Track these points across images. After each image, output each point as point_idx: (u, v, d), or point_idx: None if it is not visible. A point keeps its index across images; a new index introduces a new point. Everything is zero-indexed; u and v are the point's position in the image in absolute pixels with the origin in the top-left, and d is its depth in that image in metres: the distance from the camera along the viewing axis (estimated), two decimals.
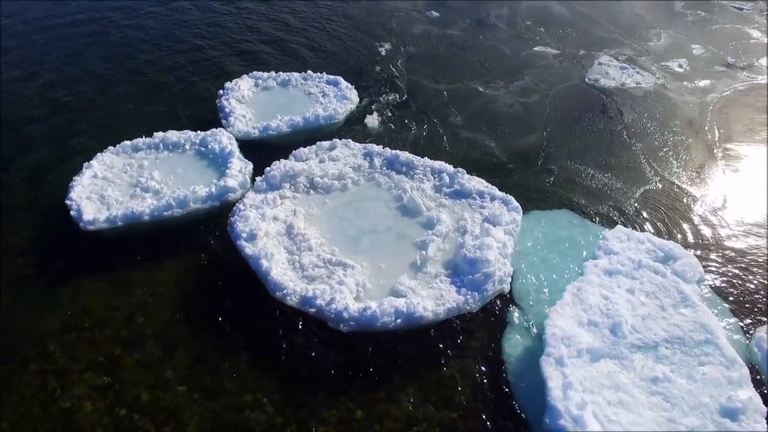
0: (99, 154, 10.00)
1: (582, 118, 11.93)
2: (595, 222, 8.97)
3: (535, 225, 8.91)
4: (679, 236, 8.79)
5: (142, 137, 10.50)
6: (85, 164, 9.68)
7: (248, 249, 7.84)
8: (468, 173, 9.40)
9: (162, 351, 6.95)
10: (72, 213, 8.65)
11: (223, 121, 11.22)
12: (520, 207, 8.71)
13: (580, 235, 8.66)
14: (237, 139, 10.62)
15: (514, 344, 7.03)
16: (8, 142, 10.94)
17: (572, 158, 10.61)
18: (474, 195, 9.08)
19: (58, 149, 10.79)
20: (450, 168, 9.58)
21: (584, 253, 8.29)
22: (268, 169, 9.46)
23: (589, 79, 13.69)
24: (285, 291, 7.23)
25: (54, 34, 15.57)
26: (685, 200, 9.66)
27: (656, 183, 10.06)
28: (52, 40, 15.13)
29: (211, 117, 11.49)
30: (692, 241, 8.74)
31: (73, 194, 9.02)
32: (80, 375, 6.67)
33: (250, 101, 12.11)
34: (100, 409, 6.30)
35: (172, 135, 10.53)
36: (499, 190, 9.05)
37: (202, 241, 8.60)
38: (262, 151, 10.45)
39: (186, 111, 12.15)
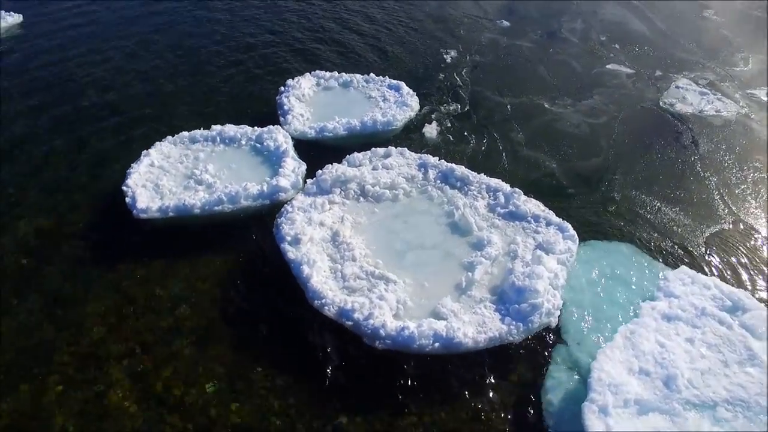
0: (157, 143, 10.24)
1: (652, 145, 11.28)
2: (656, 259, 8.41)
3: (591, 256, 8.45)
4: (750, 285, 8.13)
5: (200, 129, 10.68)
6: (144, 152, 9.93)
7: (291, 253, 7.79)
8: (525, 194, 9.04)
9: (197, 347, 6.98)
10: (127, 200, 8.88)
11: (281, 119, 11.28)
12: (576, 236, 8.29)
13: (639, 273, 8.14)
14: (293, 138, 10.66)
15: (556, 384, 6.65)
16: (79, 124, 11.40)
17: (638, 188, 10.03)
18: (529, 218, 8.71)
19: (122, 133, 11.15)
20: (506, 187, 9.24)
21: (642, 293, 7.78)
22: (320, 172, 9.40)
23: (664, 103, 12.95)
24: (323, 300, 7.12)
25: (132, 20, 16.20)
26: (761, 245, 8.94)
27: (729, 223, 9.36)
28: (126, 25, 15.73)
29: (269, 113, 11.57)
30: (766, 293, 8.06)
31: (129, 181, 9.26)
32: (116, 361, 6.77)
33: (309, 100, 12.13)
34: (129, 397, 6.38)
35: (230, 129, 10.66)
36: (557, 215, 8.64)
37: (248, 239, 8.62)
38: (316, 151, 10.43)
39: (246, 105, 12.31)
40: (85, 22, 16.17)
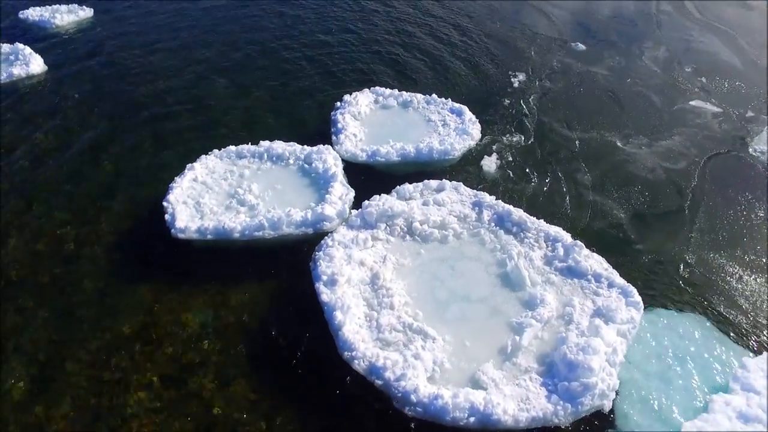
0: (203, 157, 10.13)
1: (738, 200, 10.23)
2: (734, 340, 7.51)
3: (656, 328, 7.64)
4: None
5: (248, 143, 10.51)
6: (188, 166, 9.82)
7: (325, 295, 7.40)
8: (587, 247, 8.32)
9: (218, 383, 6.71)
10: (166, 217, 8.75)
11: (333, 137, 10.96)
12: (641, 303, 7.51)
13: (712, 354, 7.27)
14: (343, 160, 10.32)
15: None
16: (132, 123, 11.52)
17: (717, 249, 9.08)
18: (589, 276, 7.99)
19: (174, 139, 11.16)
20: (567, 237, 8.54)
21: (713, 380, 6.93)
22: (366, 203, 9.00)
23: (754, 150, 11.81)
24: (354, 353, 6.70)
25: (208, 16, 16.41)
26: None
27: None
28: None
29: (323, 129, 11.27)
30: None
31: (170, 196, 9.15)
32: (134, 392, 6.59)
33: (365, 119, 11.76)
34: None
35: (278, 146, 10.42)
36: (621, 274, 7.89)
37: (286, 269, 8.32)
38: (367, 175, 10.07)
39: (300, 116, 12.09)
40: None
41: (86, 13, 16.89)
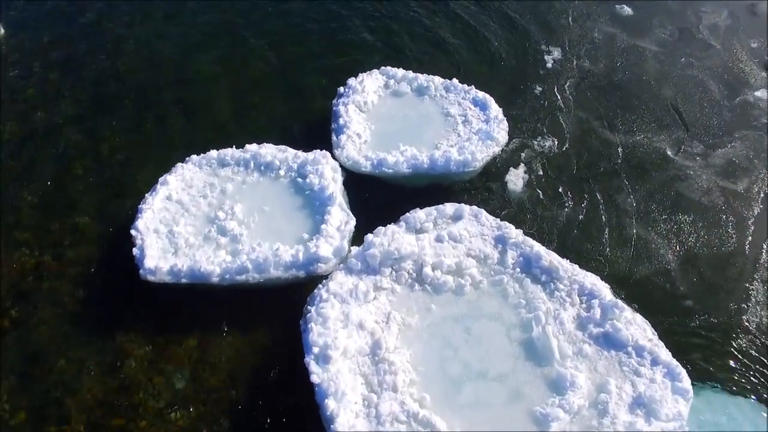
0: (180, 166, 8.96)
1: None
2: None
3: (706, 415, 6.73)
4: None
5: (232, 147, 9.33)
6: (161, 180, 8.67)
7: (316, 375, 6.47)
8: (627, 301, 7.30)
9: None
10: (135, 251, 7.75)
11: (333, 138, 9.72)
12: (691, 392, 6.55)
13: None
14: (344, 168, 9.17)
15: None
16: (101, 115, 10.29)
17: None
18: (630, 348, 6.98)
19: (151, 138, 10.00)
20: (605, 292, 7.44)
21: None
22: (368, 241, 7.90)
23: None
24: None
25: None
26: None
27: None
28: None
29: (323, 121, 10.03)
30: None
31: (140, 222, 8.09)
32: None
33: (372, 110, 10.42)
34: None
35: (267, 152, 9.22)
36: (666, 337, 6.90)
37: (272, 320, 7.44)
38: (371, 189, 9.00)
39: (296, 104, 10.84)
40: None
41: None
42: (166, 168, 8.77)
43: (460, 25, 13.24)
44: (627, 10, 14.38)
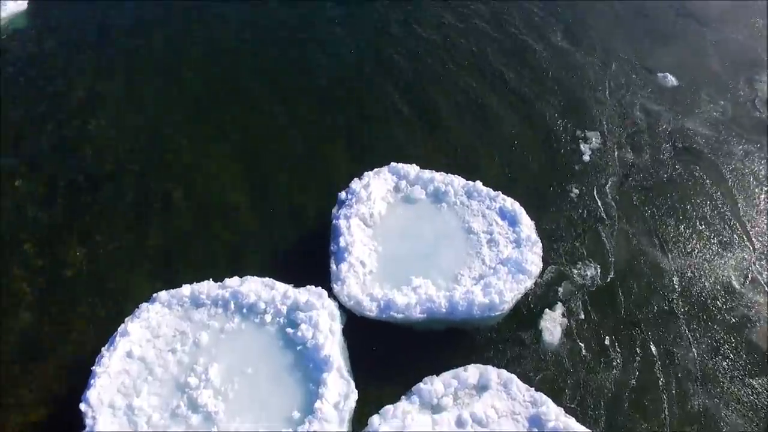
0: (144, 307, 7.61)
1: None
2: None
3: None
4: None
5: (209, 279, 7.99)
6: (121, 329, 7.32)
7: None
8: None
9: None
10: None
11: (333, 267, 8.32)
12: None
13: None
14: (344, 309, 7.81)
15: None
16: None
17: None
18: None
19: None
20: None
21: None
22: (373, 427, 6.52)
23: None
24: None
25: None
26: None
27: None
28: None
29: (320, 232, 8.71)
30: None
31: (92, 394, 6.72)
32: None
33: (379, 224, 9.05)
34: None
35: (251, 289, 7.84)
36: None
37: None
38: (376, 337, 7.62)
39: (288, 207, 9.47)
40: None
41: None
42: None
43: (471, 104, 11.83)
44: (671, 79, 12.96)
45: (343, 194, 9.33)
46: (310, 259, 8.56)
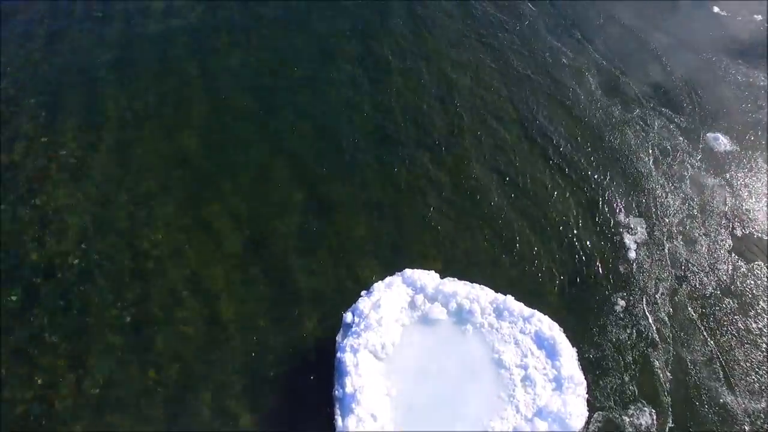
0: None
1: None
2: None
3: None
4: None
5: None
6: None
7: None
8: None
9: None
10: None
11: (337, 422, 7.14)
12: None
13: None
14: None
15: None
16: None
17: None
18: None
19: None
20: None
21: None
22: None
23: None
24: None
25: None
26: None
27: None
28: None
29: (322, 360, 7.58)
30: None
31: None
32: None
33: (392, 357, 7.89)
34: None
35: None
36: None
37: None
38: None
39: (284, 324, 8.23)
40: None
41: None
42: None
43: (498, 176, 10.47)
44: (723, 142, 11.57)
45: (349, 316, 8.15)
46: (309, 402, 7.30)
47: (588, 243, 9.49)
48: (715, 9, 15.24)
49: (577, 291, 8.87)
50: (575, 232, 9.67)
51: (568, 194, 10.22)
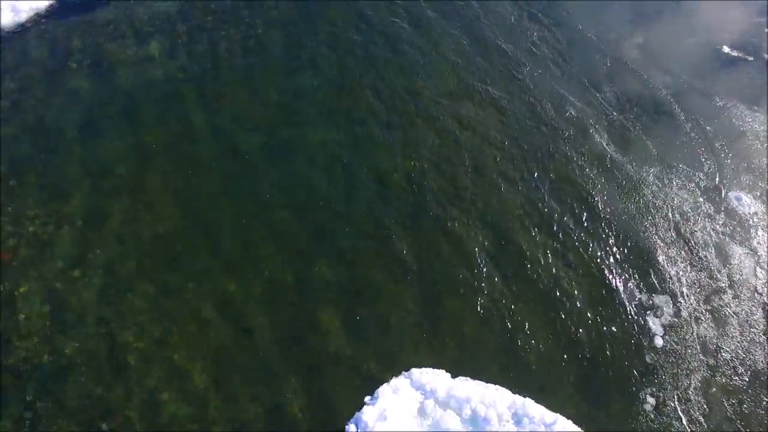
0: None
1: None
2: None
3: None
4: None
5: None
6: None
7: None
8: None
9: None
10: None
11: None
12: None
13: None
14: None
15: None
16: None
17: None
18: None
19: None
20: None
21: None
22: None
23: None
24: None
25: None
26: None
27: None
28: None
29: None
30: None
31: None
32: None
33: None
34: None
35: None
36: None
37: None
38: None
39: None
40: None
41: None
42: None
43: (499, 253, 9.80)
44: (746, 203, 10.92)
45: (352, 428, 7.40)
46: None
47: (611, 331, 8.79)
48: (725, 49, 14.67)
49: (601, 385, 8.17)
50: (596, 319, 8.97)
51: (582, 274, 9.52)
